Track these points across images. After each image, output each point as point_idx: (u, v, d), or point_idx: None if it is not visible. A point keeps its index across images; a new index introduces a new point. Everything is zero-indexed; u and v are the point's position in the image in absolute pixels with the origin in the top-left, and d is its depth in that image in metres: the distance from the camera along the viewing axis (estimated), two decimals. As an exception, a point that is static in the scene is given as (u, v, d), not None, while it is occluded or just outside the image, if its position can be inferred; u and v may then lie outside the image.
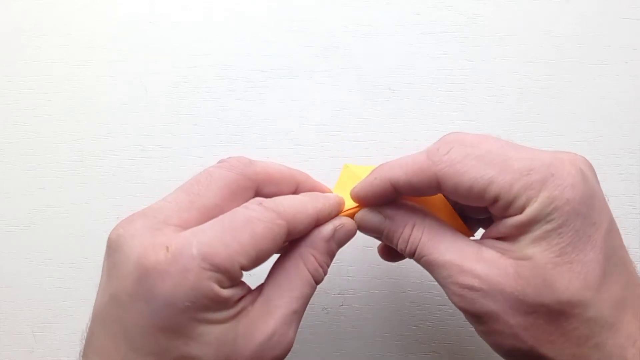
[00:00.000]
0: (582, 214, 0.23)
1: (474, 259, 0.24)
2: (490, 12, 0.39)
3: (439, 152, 0.25)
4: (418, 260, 0.26)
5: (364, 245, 0.38)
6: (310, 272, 0.25)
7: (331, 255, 0.27)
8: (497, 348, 0.25)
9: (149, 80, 0.39)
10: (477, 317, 0.24)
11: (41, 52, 0.40)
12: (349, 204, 0.28)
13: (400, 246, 0.27)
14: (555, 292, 0.22)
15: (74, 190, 0.39)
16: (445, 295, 0.26)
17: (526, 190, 0.23)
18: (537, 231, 0.23)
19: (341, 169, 0.30)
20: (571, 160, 0.24)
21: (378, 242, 0.38)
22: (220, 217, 0.23)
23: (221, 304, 0.22)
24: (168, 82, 0.39)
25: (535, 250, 0.23)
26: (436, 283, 0.38)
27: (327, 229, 0.26)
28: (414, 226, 0.26)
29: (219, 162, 0.26)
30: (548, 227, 0.23)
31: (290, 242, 0.26)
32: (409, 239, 0.26)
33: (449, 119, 0.39)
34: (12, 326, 0.39)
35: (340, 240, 0.27)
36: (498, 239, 0.25)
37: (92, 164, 0.39)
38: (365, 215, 0.28)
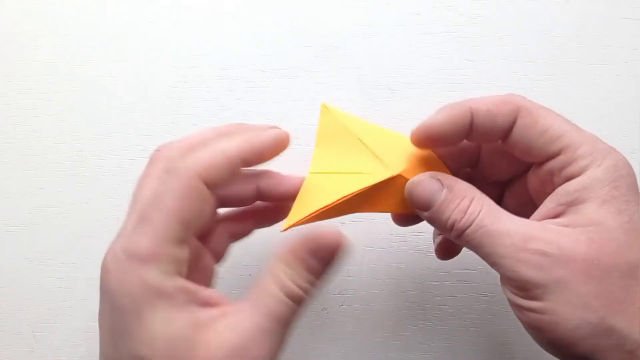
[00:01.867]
0: (638, 192, 0.23)
1: (540, 229, 0.23)
2: (490, 12, 0.39)
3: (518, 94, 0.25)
4: (473, 234, 0.24)
5: (364, 245, 0.38)
6: (283, 291, 0.23)
7: (312, 271, 0.23)
8: (556, 331, 0.22)
9: (149, 80, 0.39)
10: (544, 288, 0.22)
11: (41, 52, 0.40)
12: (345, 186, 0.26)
13: (454, 217, 0.25)
14: (627, 255, 0.22)
15: (74, 190, 0.39)
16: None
17: (592, 153, 0.23)
18: (604, 196, 0.23)
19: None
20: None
21: (378, 243, 0.38)
22: (134, 204, 0.23)
23: (165, 296, 0.22)
24: (168, 82, 0.39)
25: (605, 215, 0.23)
26: (436, 283, 0.38)
27: (298, 241, 0.23)
28: (473, 199, 0.25)
29: (154, 152, 0.24)
30: (615, 192, 0.23)
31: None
32: (467, 209, 0.24)
33: (449, 119, 0.39)
34: (12, 326, 0.39)
35: (324, 259, 0.23)
36: (555, 217, 0.24)
37: (92, 164, 0.39)
38: (422, 180, 0.26)
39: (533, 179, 0.26)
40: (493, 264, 0.24)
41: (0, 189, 0.39)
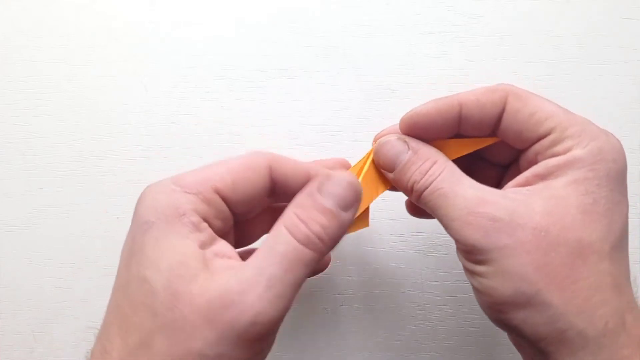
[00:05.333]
0: (619, 181, 0.23)
1: (498, 195, 0.23)
2: (490, 12, 0.39)
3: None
4: (430, 195, 0.24)
5: (364, 246, 0.38)
6: (287, 228, 0.22)
7: (321, 210, 0.22)
8: (493, 296, 0.23)
9: (149, 80, 0.39)
10: (487, 253, 0.22)
11: (41, 52, 0.40)
12: None
13: (414, 178, 0.25)
14: (579, 233, 0.22)
15: (74, 190, 0.39)
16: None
17: (580, 134, 0.23)
18: (577, 175, 0.23)
19: None
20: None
21: (377, 242, 0.38)
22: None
23: (187, 225, 0.22)
24: (168, 82, 0.39)
25: (570, 193, 0.23)
26: (436, 283, 0.38)
27: (311, 182, 0.24)
28: (435, 162, 0.25)
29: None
30: (590, 174, 0.23)
31: None
32: (427, 171, 0.25)
33: (449, 119, 0.39)
34: (12, 326, 0.39)
35: (332, 193, 0.23)
36: (522, 186, 0.24)
37: (92, 164, 0.39)
38: (388, 140, 0.26)
39: (523, 163, 0.26)
40: (445, 227, 0.24)
41: (0, 189, 0.39)
